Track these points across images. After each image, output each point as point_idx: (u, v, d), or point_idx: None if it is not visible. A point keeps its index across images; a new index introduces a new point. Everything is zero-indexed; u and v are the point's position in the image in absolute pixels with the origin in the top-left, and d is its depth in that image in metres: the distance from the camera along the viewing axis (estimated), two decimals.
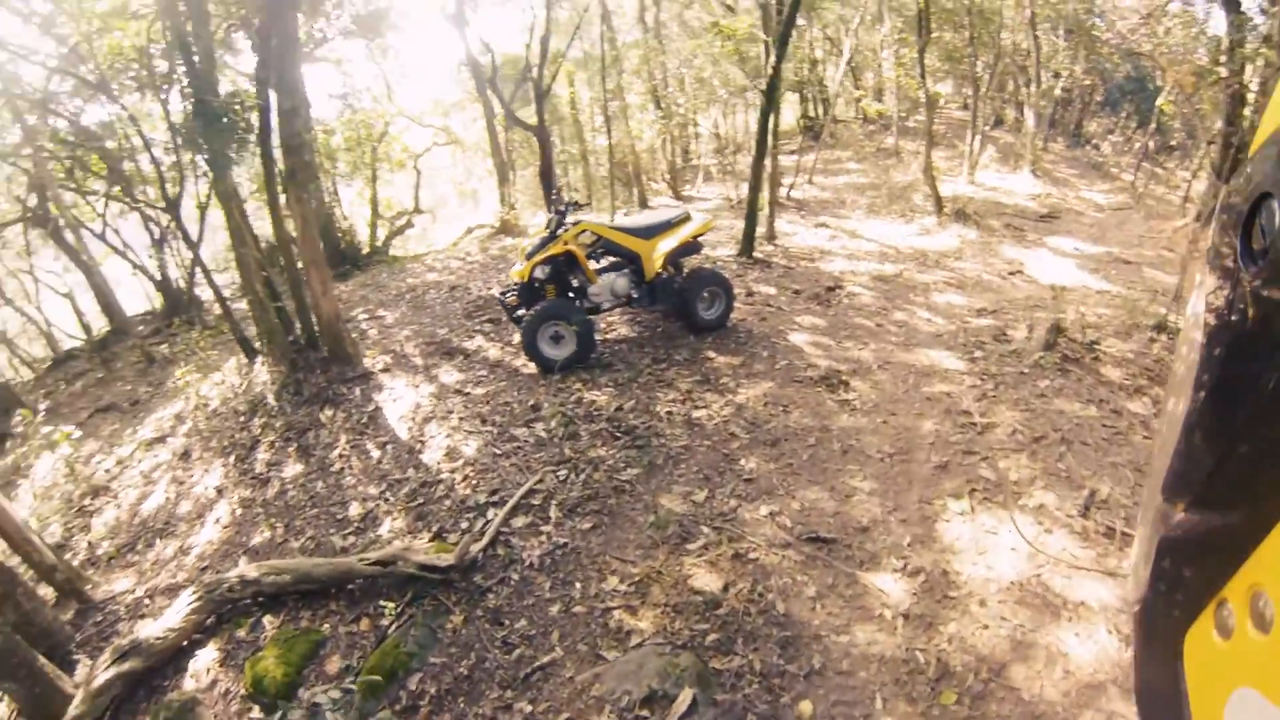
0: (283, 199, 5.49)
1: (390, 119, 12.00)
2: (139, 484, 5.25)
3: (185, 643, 3.32)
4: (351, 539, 3.79)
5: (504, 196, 11.86)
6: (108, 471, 5.66)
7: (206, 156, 4.62)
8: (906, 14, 16.19)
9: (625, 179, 14.33)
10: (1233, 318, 0.57)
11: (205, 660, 3.26)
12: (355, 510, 4.02)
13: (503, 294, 5.39)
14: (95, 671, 3.15)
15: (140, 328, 9.63)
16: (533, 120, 10.24)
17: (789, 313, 6.10)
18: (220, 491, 4.77)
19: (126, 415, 6.81)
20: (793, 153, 13.15)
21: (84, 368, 9.36)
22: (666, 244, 5.23)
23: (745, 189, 7.66)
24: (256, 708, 2.99)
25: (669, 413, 4.48)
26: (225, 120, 4.48)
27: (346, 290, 8.43)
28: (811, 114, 17.39)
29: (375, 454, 4.63)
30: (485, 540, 3.39)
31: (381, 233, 12.81)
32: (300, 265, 5.55)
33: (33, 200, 9.02)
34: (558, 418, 4.45)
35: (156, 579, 4.04)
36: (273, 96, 4.97)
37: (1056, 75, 14.56)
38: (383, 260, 11.08)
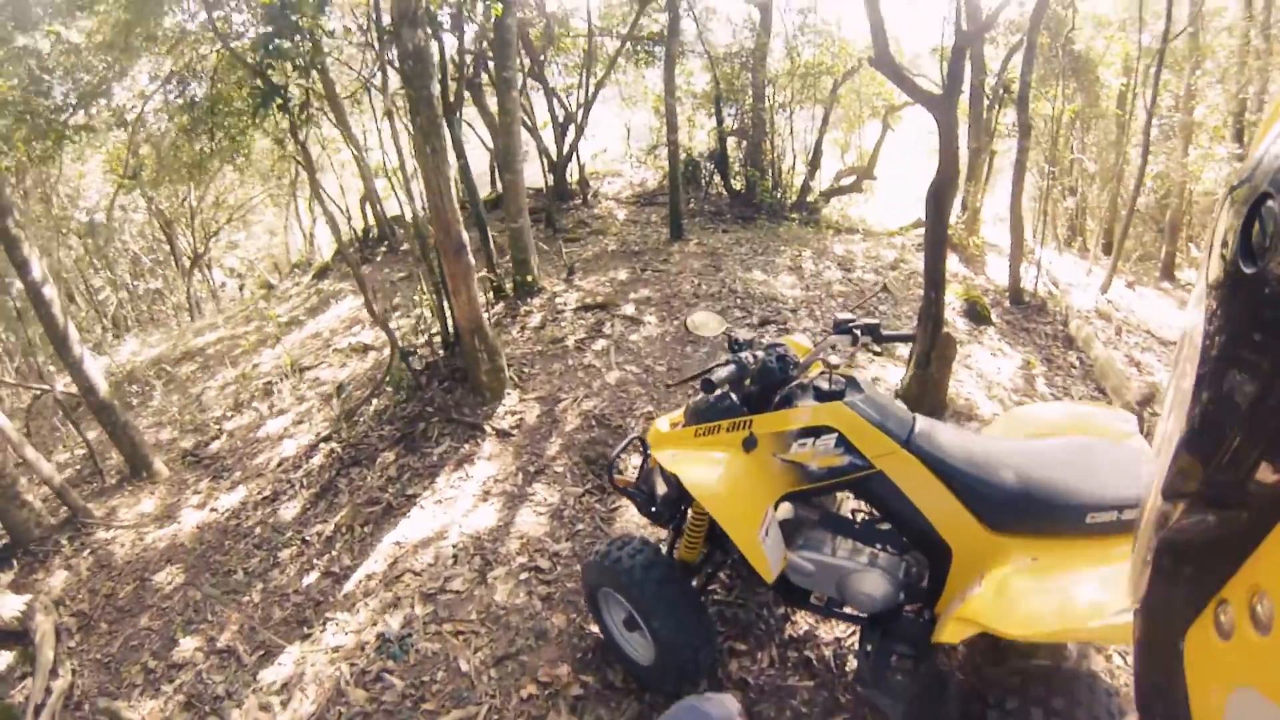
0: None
1: (864, 55, 9.41)
2: (296, 396, 5.79)
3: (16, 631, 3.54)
4: (139, 678, 3.33)
5: (968, 198, 8.35)
6: (317, 356, 6.43)
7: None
8: None
9: (1155, 229, 10.55)
10: (1233, 317, 0.59)
11: None
12: (190, 647, 3.46)
13: (629, 444, 2.80)
14: None
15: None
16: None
17: None
18: (279, 466, 4.86)
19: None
20: None
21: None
22: (1050, 596, 1.58)
23: None
24: None
25: None
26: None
27: (689, 250, 7.25)
28: None
29: (311, 578, 3.63)
30: None
31: (823, 185, 11.01)
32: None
33: None
34: None
35: (150, 525, 4.42)
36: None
37: None
38: (803, 220, 9.47)
